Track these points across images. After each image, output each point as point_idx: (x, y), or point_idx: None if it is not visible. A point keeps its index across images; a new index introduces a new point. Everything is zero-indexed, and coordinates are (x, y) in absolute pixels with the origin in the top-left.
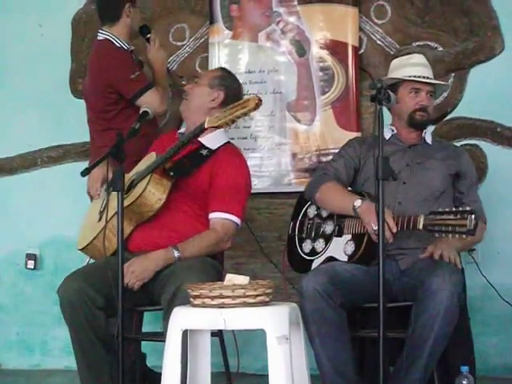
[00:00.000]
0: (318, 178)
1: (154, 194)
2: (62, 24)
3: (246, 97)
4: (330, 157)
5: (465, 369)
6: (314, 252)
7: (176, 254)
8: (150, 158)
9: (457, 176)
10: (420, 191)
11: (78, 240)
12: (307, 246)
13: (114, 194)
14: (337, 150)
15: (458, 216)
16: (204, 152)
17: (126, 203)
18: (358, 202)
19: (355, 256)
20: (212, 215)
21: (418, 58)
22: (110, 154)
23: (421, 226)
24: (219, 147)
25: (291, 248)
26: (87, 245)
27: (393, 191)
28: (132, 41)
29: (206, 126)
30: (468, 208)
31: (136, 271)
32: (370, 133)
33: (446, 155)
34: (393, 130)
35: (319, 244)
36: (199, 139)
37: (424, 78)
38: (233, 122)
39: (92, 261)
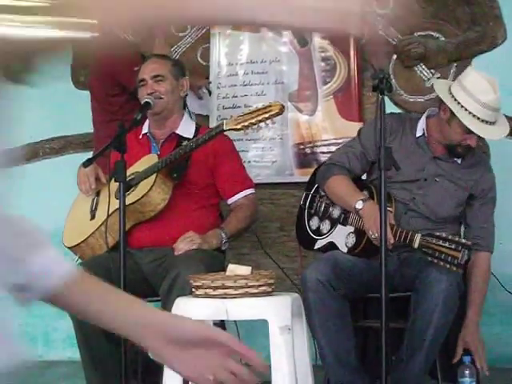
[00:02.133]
0: (326, 169)
1: (159, 193)
2: None
3: (268, 102)
4: (332, 148)
5: (467, 359)
6: (319, 232)
7: (222, 233)
8: (149, 159)
9: (471, 195)
10: (426, 212)
11: (66, 237)
12: (314, 223)
13: (112, 192)
14: (339, 141)
15: (453, 246)
16: (185, 143)
17: (128, 201)
18: (359, 204)
19: (355, 250)
20: (232, 199)
21: (491, 98)
22: (111, 146)
23: (416, 245)
24: (195, 134)
25: (300, 220)
26: (81, 242)
27: (403, 202)
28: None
29: (225, 128)
30: (463, 240)
31: (191, 236)
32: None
33: (469, 176)
34: (424, 131)
35: (325, 225)
36: (177, 132)
37: (486, 122)
38: (253, 125)
39: (80, 261)
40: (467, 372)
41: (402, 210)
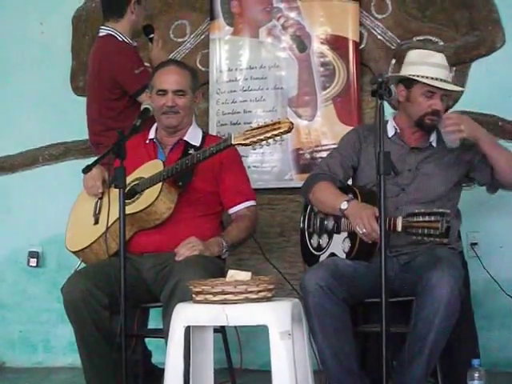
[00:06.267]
0: (310, 179)
1: (165, 202)
2: (62, 22)
3: (277, 119)
4: None
5: (476, 362)
6: (320, 247)
7: (223, 241)
8: (155, 166)
9: (471, 167)
10: (419, 197)
11: (70, 241)
12: (315, 240)
13: (114, 198)
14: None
15: (432, 218)
16: (192, 151)
17: (133, 210)
18: (344, 205)
19: (352, 253)
20: (234, 209)
21: (437, 58)
22: (111, 152)
23: (399, 229)
24: (202, 142)
25: (303, 241)
26: (84, 248)
27: (393, 198)
28: (134, 39)
29: (233, 143)
30: (440, 210)
31: (193, 242)
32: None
33: (452, 156)
34: (396, 129)
35: (324, 239)
36: (185, 139)
37: (441, 80)
38: (261, 141)
39: (83, 264)
40: (477, 375)
41: (392, 206)
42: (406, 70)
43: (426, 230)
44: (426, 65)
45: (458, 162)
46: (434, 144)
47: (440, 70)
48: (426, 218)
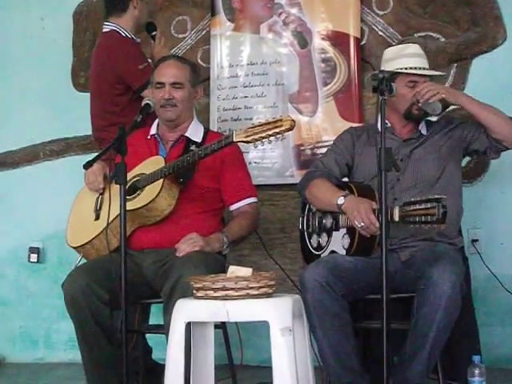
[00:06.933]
0: (306, 177)
1: (166, 199)
2: (63, 17)
3: (279, 116)
4: None
5: (477, 358)
6: (319, 246)
7: (224, 237)
8: (156, 162)
9: (466, 141)
10: (415, 183)
11: (70, 236)
12: (314, 240)
13: (115, 194)
14: None
15: (428, 205)
16: (193, 147)
17: (134, 206)
18: (340, 200)
19: (351, 249)
20: (235, 206)
21: (414, 48)
22: (112, 148)
23: (397, 218)
24: (204, 138)
25: (303, 243)
26: (85, 243)
27: (389, 190)
28: (136, 35)
29: (234, 140)
30: (436, 196)
31: (194, 238)
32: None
33: (441, 136)
34: (386, 123)
35: (323, 238)
36: (186, 135)
37: (420, 69)
38: (263, 139)
39: (83, 260)
40: (477, 371)
41: (390, 197)
42: (386, 67)
43: (422, 218)
44: (404, 57)
45: (449, 141)
46: (424, 132)
47: (418, 59)
48: (423, 206)
